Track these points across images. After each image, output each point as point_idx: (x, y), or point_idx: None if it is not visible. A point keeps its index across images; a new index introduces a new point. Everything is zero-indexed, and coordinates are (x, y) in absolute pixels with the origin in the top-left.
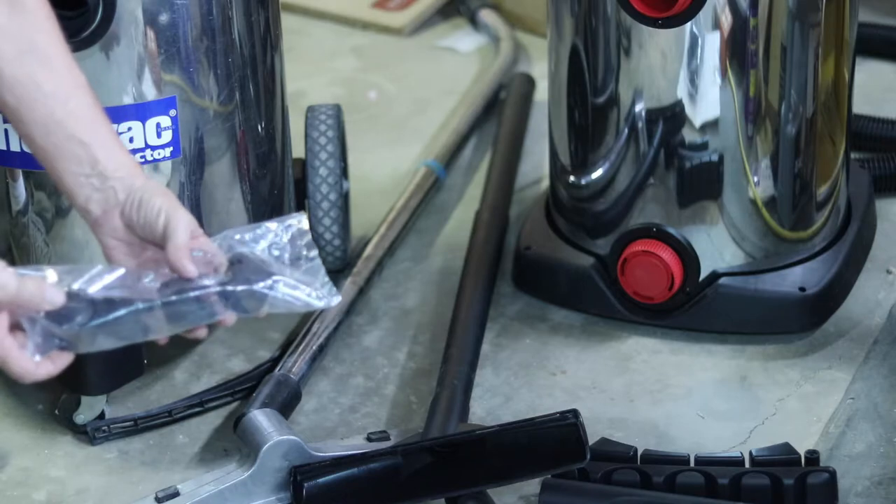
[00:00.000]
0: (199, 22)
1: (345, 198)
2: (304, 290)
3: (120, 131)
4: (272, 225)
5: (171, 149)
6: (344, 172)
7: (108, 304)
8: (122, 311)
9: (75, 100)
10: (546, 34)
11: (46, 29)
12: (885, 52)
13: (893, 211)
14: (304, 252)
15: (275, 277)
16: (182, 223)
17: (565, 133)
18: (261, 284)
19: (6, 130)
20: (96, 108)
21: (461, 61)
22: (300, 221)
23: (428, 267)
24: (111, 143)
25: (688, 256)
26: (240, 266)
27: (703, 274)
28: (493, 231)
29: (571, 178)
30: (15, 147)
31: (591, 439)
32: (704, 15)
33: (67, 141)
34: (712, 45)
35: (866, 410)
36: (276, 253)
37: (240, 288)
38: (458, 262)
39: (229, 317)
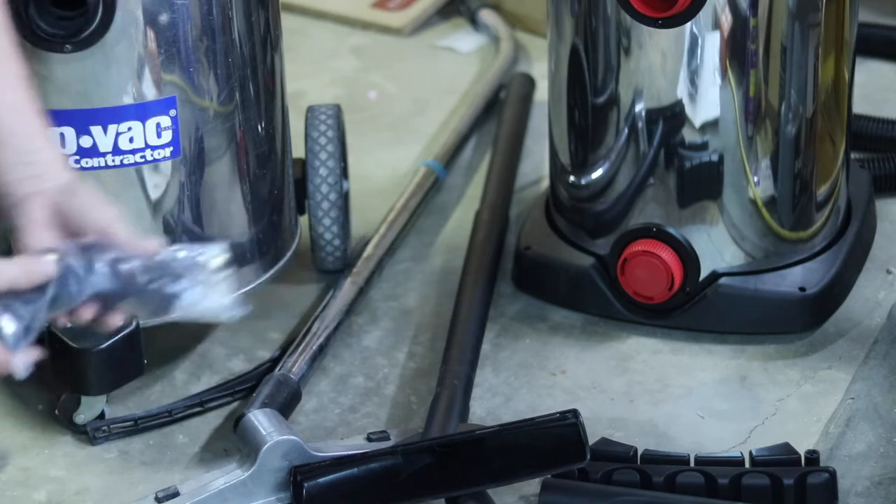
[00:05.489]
0: (199, 22)
1: (345, 198)
2: (213, 298)
3: (120, 131)
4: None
5: (171, 149)
6: (344, 172)
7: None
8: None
9: (13, 92)
10: (546, 34)
11: None
12: (885, 52)
13: (893, 211)
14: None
15: (185, 283)
16: (117, 215)
17: (565, 133)
18: (171, 287)
19: None
20: (32, 101)
21: (461, 61)
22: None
23: (428, 267)
24: (44, 136)
25: (688, 256)
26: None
27: (703, 274)
28: (493, 231)
29: (571, 178)
30: None
31: (591, 439)
32: (704, 15)
33: (5, 132)
34: (712, 45)
35: (866, 410)
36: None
37: (152, 286)
38: (458, 262)
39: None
